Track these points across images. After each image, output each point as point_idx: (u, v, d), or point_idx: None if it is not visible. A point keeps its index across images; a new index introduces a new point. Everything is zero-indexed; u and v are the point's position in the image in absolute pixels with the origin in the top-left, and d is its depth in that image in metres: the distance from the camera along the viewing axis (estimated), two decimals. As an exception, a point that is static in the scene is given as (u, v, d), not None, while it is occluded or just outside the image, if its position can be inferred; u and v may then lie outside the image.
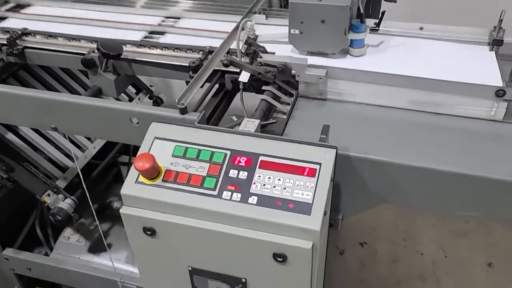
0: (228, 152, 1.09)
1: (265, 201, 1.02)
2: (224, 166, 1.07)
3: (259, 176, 1.05)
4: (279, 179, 1.04)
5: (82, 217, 1.98)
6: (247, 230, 1.03)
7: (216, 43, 1.46)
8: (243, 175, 1.06)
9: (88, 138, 2.09)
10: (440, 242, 2.37)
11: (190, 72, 1.40)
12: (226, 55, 1.43)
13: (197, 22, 1.72)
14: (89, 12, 1.83)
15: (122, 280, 1.83)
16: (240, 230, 1.03)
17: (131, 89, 2.24)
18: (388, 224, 2.48)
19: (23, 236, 2.09)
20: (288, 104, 1.36)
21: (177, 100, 1.20)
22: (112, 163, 2.30)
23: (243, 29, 1.42)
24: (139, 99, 2.22)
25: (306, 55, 1.42)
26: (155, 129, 1.16)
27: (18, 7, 1.91)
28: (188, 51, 1.50)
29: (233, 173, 1.06)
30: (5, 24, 1.77)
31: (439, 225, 2.39)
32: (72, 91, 2.05)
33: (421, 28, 1.53)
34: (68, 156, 1.96)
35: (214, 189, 1.05)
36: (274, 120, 1.28)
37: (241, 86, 1.36)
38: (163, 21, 1.75)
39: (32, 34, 1.63)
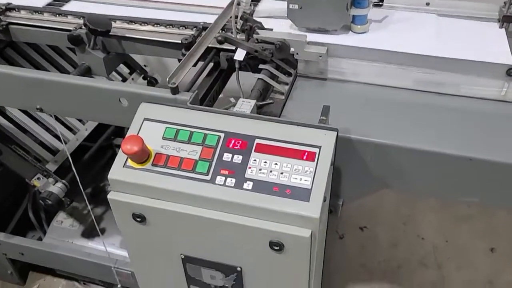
0: (222, 135, 1.03)
1: (261, 186, 0.96)
2: (218, 149, 1.02)
3: (255, 160, 0.99)
4: (276, 163, 0.98)
5: (75, 201, 1.94)
6: (242, 217, 0.97)
7: (211, 18, 1.40)
8: (238, 159, 1.00)
9: (80, 120, 2.02)
10: (441, 226, 2.34)
11: (183, 50, 1.34)
12: (220, 31, 1.36)
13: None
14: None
15: (117, 266, 1.79)
16: (234, 217, 0.98)
17: (125, 70, 2.17)
18: (388, 208, 2.45)
19: (16, 220, 2.05)
20: (287, 83, 1.29)
21: (167, 78, 1.13)
22: (106, 145, 2.25)
23: (238, 3, 1.34)
24: (132, 79, 2.15)
25: (306, 31, 1.34)
26: (145, 110, 1.10)
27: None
28: (181, 28, 1.43)
29: (227, 156, 1.01)
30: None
31: (440, 209, 2.36)
32: (62, 70, 1.98)
33: (427, 4, 1.46)
34: (59, 138, 1.90)
35: (207, 174, 0.99)
36: (271, 101, 1.21)
37: (236, 65, 1.30)
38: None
39: (17, 10, 1.54)
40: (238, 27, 1.33)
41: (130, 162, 1.03)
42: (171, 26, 1.44)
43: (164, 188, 1.00)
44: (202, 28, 1.40)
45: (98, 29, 1.36)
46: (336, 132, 1.01)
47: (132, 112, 1.10)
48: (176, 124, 1.06)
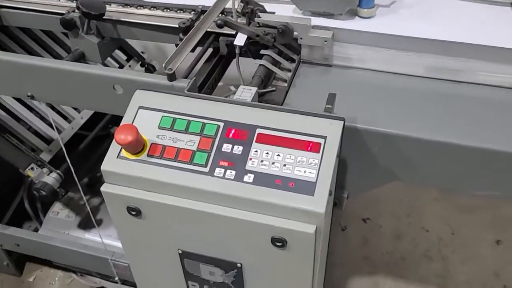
0: (221, 124, 0.98)
1: (263, 179, 0.91)
2: (217, 140, 0.96)
3: (256, 151, 0.94)
4: (278, 155, 0.93)
5: (71, 191, 1.89)
6: (242, 211, 0.92)
7: (209, 1, 1.32)
8: (238, 149, 0.94)
9: (75, 108, 1.96)
10: (447, 218, 2.29)
11: (180, 34, 1.28)
12: (220, 15, 1.30)
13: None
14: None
15: (114, 258, 1.74)
16: (234, 211, 0.92)
17: (122, 56, 2.11)
18: (392, 199, 2.39)
19: (12, 211, 2.00)
20: (289, 70, 1.23)
21: (164, 64, 1.07)
22: (104, 134, 2.19)
23: (239, -15, 1.27)
24: (129, 66, 2.09)
25: (310, 15, 1.27)
26: (140, 98, 1.04)
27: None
28: (178, 11, 1.37)
29: (226, 147, 0.95)
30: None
31: (445, 200, 2.31)
32: (57, 56, 1.91)
33: (438, -13, 1.38)
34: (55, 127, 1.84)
35: (205, 166, 0.94)
36: (274, 88, 1.15)
37: (237, 51, 1.24)
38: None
39: (7, -8, 1.48)
40: (239, 10, 1.27)
41: (124, 153, 0.98)
42: (168, 10, 1.38)
43: (160, 181, 0.95)
44: (201, 12, 1.34)
45: (91, 12, 1.30)
46: (342, 122, 0.95)
47: (127, 100, 1.05)
48: (172, 113, 1.01)
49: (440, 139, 1.03)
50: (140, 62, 2.12)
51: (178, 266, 1.08)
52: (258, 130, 0.96)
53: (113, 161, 0.98)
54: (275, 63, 1.22)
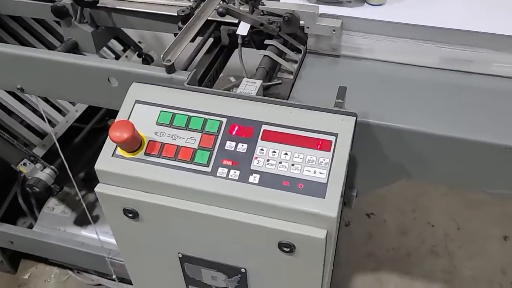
0: (224, 120, 0.91)
1: (269, 180, 0.85)
2: (219, 137, 0.90)
3: (262, 150, 0.87)
4: (286, 153, 0.86)
5: (67, 186, 1.82)
6: (247, 214, 0.86)
7: (210, -12, 1.24)
8: (242, 148, 0.88)
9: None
10: (453, 213, 2.23)
11: (179, 23, 1.21)
12: (221, 2, 1.23)
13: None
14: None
15: (111, 256, 1.69)
16: (238, 214, 0.86)
17: (118, 46, 2.03)
18: (396, 194, 2.34)
19: (6, 206, 1.94)
20: (295, 61, 1.16)
21: (162, 55, 1.00)
22: (101, 127, 2.12)
23: (241, -30, 1.20)
24: (126, 57, 2.02)
25: (317, 3, 1.20)
26: (136, 91, 0.98)
27: None
28: (177, -2, 1.29)
29: (230, 145, 0.89)
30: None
31: (451, 195, 2.25)
32: (50, 46, 1.84)
33: (451, -27, 1.31)
34: (48, 120, 1.77)
35: (207, 165, 0.88)
36: (280, 81, 1.08)
37: (239, 40, 1.17)
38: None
39: (-5, -22, 1.40)
40: (241, -3, 1.20)
41: (119, 151, 0.92)
42: (166, -3, 1.30)
43: (159, 181, 0.89)
44: (201, -1, 1.26)
45: (84, -1, 1.23)
46: (354, 118, 0.89)
47: (123, 93, 0.98)
48: (172, 108, 0.94)
49: (454, 135, 0.97)
50: (137, 53, 2.05)
51: (178, 270, 1.02)
52: (264, 127, 0.89)
53: (108, 160, 0.91)
54: (280, 53, 1.15)
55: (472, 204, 2.18)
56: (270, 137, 0.88)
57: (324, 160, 0.85)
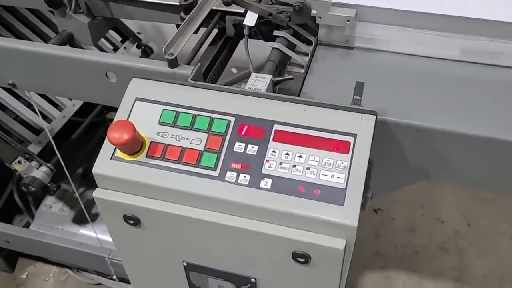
0: (233, 119, 0.84)
1: (282, 185, 0.78)
2: (227, 138, 0.83)
3: (274, 152, 0.80)
4: (300, 156, 0.79)
5: (65, 183, 1.76)
6: (258, 223, 0.79)
7: (214, -25, 1.17)
8: (253, 149, 0.81)
9: (66, 95, 1.81)
10: (463, 209, 2.17)
11: (182, 13, 1.13)
12: (227, -10, 1.13)
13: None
14: None
15: (111, 256, 1.63)
16: (248, 222, 0.79)
17: (117, 37, 1.96)
18: (405, 189, 2.26)
19: (1, 204, 1.88)
20: (306, 54, 1.09)
21: (164, 49, 0.92)
22: (99, 121, 2.05)
23: (248, -44, 1.11)
24: (125, 48, 1.94)
25: (328, -9, 1.12)
26: (137, 87, 0.90)
27: None
28: (179, -13, 1.21)
29: (239, 147, 0.82)
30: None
31: (461, 191, 2.18)
32: (46, 39, 1.76)
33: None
34: (44, 116, 1.70)
35: (215, 169, 0.81)
36: (291, 76, 1.00)
37: (246, 32, 1.09)
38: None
39: (-16, -34, 1.32)
40: (248, -15, 1.12)
41: (119, 153, 0.84)
42: (167, -15, 1.22)
43: (162, 186, 0.82)
44: (205, -13, 1.18)
45: (79, -13, 1.15)
46: (374, 116, 0.82)
47: (122, 89, 0.91)
48: (175, 106, 0.87)
49: (480, 134, 0.90)
50: (136, 44, 1.98)
51: (183, 279, 0.96)
52: (276, 126, 0.82)
53: (107, 163, 0.84)
54: (290, 46, 1.07)
55: (483, 200, 2.12)
56: (283, 137, 0.81)
57: (342, 163, 0.78)
